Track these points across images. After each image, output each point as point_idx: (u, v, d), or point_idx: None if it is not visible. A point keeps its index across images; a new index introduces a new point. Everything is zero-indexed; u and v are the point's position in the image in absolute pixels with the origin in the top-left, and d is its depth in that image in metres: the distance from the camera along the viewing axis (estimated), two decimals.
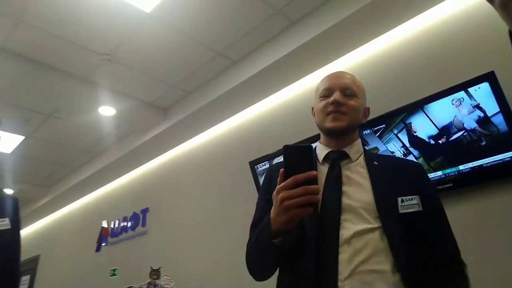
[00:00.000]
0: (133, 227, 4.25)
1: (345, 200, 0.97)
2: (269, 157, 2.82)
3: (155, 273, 2.72)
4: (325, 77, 1.14)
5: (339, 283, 0.87)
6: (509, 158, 1.78)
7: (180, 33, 2.73)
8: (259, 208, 1.12)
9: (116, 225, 4.54)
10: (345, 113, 1.05)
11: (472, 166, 1.89)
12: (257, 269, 1.04)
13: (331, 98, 1.06)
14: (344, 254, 0.90)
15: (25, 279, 6.25)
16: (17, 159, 4.71)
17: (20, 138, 4.21)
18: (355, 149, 1.09)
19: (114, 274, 4.18)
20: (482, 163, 1.86)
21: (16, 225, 1.30)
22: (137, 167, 4.56)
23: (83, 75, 3.20)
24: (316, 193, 0.82)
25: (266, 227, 0.89)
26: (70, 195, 5.49)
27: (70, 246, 5.42)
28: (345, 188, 0.99)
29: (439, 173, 1.99)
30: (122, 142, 4.36)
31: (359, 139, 1.14)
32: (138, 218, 4.22)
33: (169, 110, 3.76)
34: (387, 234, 0.93)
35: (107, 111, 3.59)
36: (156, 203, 4.08)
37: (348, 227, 0.93)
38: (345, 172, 1.03)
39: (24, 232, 7.01)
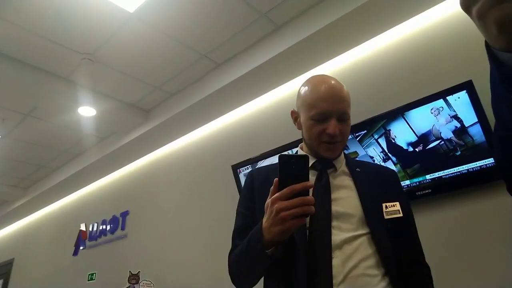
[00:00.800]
0: (112, 231, 4.17)
1: (334, 208, 0.98)
2: (252, 161, 2.81)
3: (134, 277, 2.67)
4: (316, 89, 1.04)
5: (334, 287, 0.88)
6: (485, 166, 1.83)
7: (164, 34, 2.70)
8: (241, 216, 1.10)
9: (95, 228, 4.44)
10: (340, 141, 1.05)
11: (448, 173, 1.93)
12: (244, 278, 1.02)
13: (328, 130, 1.01)
14: (336, 260, 0.91)
15: None
16: None
17: None
18: (340, 159, 1.10)
19: (92, 279, 4.08)
20: (459, 170, 1.90)
21: None
22: (118, 169, 4.48)
23: (64, 75, 3.12)
24: (312, 204, 0.82)
25: (258, 237, 0.87)
26: (48, 197, 5.33)
27: (47, 250, 5.27)
28: (333, 196, 1.00)
29: (415, 180, 2.03)
30: (103, 143, 4.28)
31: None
32: (118, 221, 4.14)
33: (151, 111, 3.71)
34: (375, 240, 0.96)
35: (87, 111, 3.51)
36: (136, 206, 4.02)
37: (339, 234, 0.94)
38: (332, 181, 1.04)
39: None
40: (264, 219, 0.87)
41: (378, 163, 2.10)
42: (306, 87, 1.08)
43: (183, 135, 3.73)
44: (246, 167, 2.86)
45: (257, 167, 2.74)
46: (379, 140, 2.17)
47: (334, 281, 0.88)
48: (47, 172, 5.11)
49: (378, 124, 2.17)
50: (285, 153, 0.93)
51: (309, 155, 1.08)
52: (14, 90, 3.22)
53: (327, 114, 1.01)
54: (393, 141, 2.11)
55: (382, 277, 0.92)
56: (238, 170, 2.89)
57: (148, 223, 3.77)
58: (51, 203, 5.55)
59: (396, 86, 2.30)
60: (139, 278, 2.67)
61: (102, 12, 2.48)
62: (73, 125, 3.82)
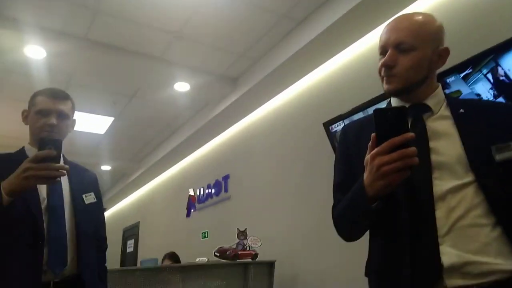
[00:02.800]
0: (217, 193, 4.55)
1: (434, 157, 0.92)
2: (343, 117, 2.76)
3: (242, 234, 2.91)
4: (384, 27, 1.05)
5: (439, 239, 0.86)
6: None
7: (243, 2, 2.73)
8: (339, 171, 1.11)
9: (202, 192, 4.89)
10: (396, 74, 0.98)
11: None
12: (349, 232, 1.05)
13: (382, 60, 1.00)
14: (440, 211, 0.88)
15: (130, 242, 7.13)
16: (110, 138, 5.25)
17: (110, 119, 4.67)
18: (436, 100, 1.01)
19: (205, 237, 4.56)
20: None
21: (100, 199, 1.46)
22: (214, 137, 4.80)
23: (158, 54, 3.39)
24: (414, 155, 0.80)
25: (362, 193, 0.88)
26: (158, 168, 6.01)
27: (164, 213, 6.00)
28: (432, 144, 0.94)
29: None
30: (198, 115, 4.60)
31: (439, 87, 1.05)
32: (221, 185, 4.49)
33: (238, 79, 3.84)
34: (483, 187, 0.88)
35: (182, 86, 3.79)
36: (235, 170, 4.29)
37: (441, 184, 0.90)
38: (429, 127, 0.97)
39: (125, 202, 7.89)
40: (365, 175, 0.87)
41: (490, 100, 1.86)
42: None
43: (272, 98, 3.80)
44: (338, 124, 2.82)
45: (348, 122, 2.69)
46: (487, 75, 1.91)
47: (438, 233, 0.85)
48: (154, 146, 5.72)
49: (487, 58, 1.91)
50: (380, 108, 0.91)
51: (399, 101, 1.03)
52: (120, 75, 3.62)
53: (384, 47, 1.01)
54: (503, 77, 1.87)
55: (493, 227, 0.86)
56: (330, 127, 2.87)
57: (248, 185, 4.01)
58: (162, 173, 6.23)
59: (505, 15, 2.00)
60: (247, 235, 2.91)
61: None
62: (171, 101, 4.16)
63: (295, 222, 3.23)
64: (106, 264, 1.46)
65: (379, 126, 0.83)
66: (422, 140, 0.94)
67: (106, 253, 1.50)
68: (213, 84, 3.79)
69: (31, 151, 1.28)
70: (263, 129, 3.95)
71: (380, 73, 1.03)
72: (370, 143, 0.85)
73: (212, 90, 3.91)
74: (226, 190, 4.39)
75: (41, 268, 1.16)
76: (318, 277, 2.88)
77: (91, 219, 1.35)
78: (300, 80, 3.47)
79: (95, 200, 1.39)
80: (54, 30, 2.97)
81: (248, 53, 3.41)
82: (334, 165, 1.15)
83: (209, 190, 4.73)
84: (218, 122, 4.35)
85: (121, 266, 6.84)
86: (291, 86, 3.58)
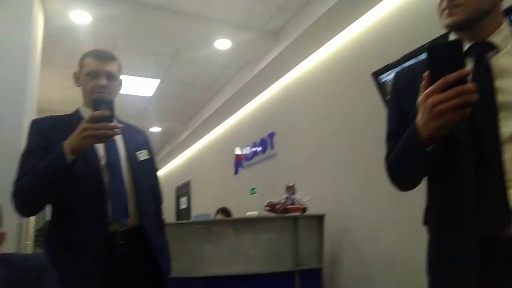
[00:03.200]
0: (263, 151, 4.59)
1: (500, 97, 0.84)
2: (393, 66, 2.60)
3: (291, 189, 2.94)
4: None
5: (507, 183, 0.80)
6: None
7: None
8: (391, 120, 1.06)
9: (248, 151, 4.96)
10: (461, 4, 0.88)
11: None
12: (405, 180, 1.01)
13: None
14: (508, 154, 0.81)
15: (183, 200, 7.53)
16: (158, 100, 5.40)
17: (157, 81, 4.77)
18: (502, 36, 0.91)
19: (253, 192, 4.68)
20: None
21: (152, 156, 1.51)
22: (257, 95, 4.77)
23: (195, 11, 3.32)
24: (472, 92, 0.73)
25: (415, 135, 0.84)
26: (205, 128, 6.15)
27: (212, 171, 6.21)
28: (498, 83, 0.86)
29: None
30: (240, 73, 4.56)
31: (505, 22, 0.93)
32: (266, 143, 4.51)
33: (280, 32, 3.71)
34: None
35: (223, 44, 3.74)
36: (280, 127, 4.27)
37: (508, 125, 0.82)
38: (495, 65, 0.88)
39: (176, 162, 8.25)
40: (419, 117, 0.81)
41: None
42: None
43: (316, 50, 3.65)
44: (387, 73, 2.67)
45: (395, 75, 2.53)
46: None
47: (506, 177, 0.80)
48: (199, 106, 5.81)
49: None
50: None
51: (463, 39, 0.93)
52: (161, 36, 3.63)
53: None
54: None
55: None
56: (378, 77, 2.73)
57: (294, 141, 4.00)
58: (209, 133, 6.37)
59: None
60: (295, 189, 2.93)
61: None
62: (212, 60, 4.14)
63: (344, 176, 3.20)
64: (163, 217, 1.55)
65: (432, 63, 0.76)
66: (486, 79, 0.86)
67: (162, 208, 1.58)
68: (254, 39, 3.70)
69: (86, 112, 1.35)
70: (307, 84, 3.85)
71: (440, 5, 0.93)
72: (423, 83, 0.79)
73: (253, 45, 3.82)
74: (272, 147, 4.42)
75: (107, 219, 1.25)
76: (369, 230, 2.88)
77: (146, 174, 1.42)
78: (345, 30, 3.27)
79: (148, 157, 1.45)
80: None
81: (289, 4, 3.25)
82: (387, 113, 1.10)
83: (255, 148, 4.78)
84: (261, 79, 4.29)
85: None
86: (335, 37, 3.39)
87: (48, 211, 1.32)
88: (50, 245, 1.28)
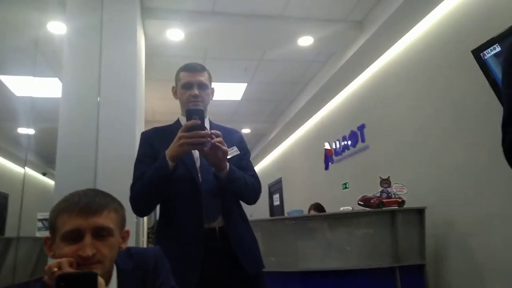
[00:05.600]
0: (353, 144, 4.47)
1: None
2: (497, 40, 2.32)
3: (385, 182, 2.82)
4: None
5: None
6: None
7: None
8: (510, 98, 0.93)
9: (338, 145, 4.88)
10: None
11: None
12: None
13: None
14: None
15: (275, 197, 7.71)
16: (246, 103, 5.63)
17: (244, 85, 4.98)
18: None
19: (346, 187, 4.59)
20: None
21: (244, 149, 1.59)
22: (344, 87, 4.66)
23: (277, 13, 3.40)
24: None
25: None
26: (293, 125, 6.22)
27: (303, 168, 6.24)
28: None
29: None
30: (325, 67, 4.51)
31: None
32: (357, 135, 4.39)
33: (364, 21, 3.59)
34: None
35: (305, 41, 3.75)
36: (370, 118, 4.12)
37: None
38: None
39: (267, 161, 8.50)
40: None
41: None
42: None
43: (403, 35, 3.44)
44: (490, 49, 2.39)
45: (506, 44, 2.26)
46: None
47: None
48: (286, 105, 5.89)
49: None
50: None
51: None
52: (246, 41, 3.80)
53: None
54: None
55: None
56: (480, 54, 2.46)
57: (386, 131, 3.82)
58: (297, 130, 6.43)
59: None
60: (390, 182, 2.81)
61: None
62: (297, 58, 4.18)
63: (444, 164, 2.95)
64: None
65: None
66: None
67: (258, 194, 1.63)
68: (338, 32, 3.63)
69: (184, 121, 1.50)
70: (396, 70, 3.64)
71: None
72: None
73: (338, 38, 3.75)
74: (363, 140, 4.28)
75: (202, 216, 1.39)
76: (479, 221, 2.62)
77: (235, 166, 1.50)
78: (436, 8, 3.02)
79: (238, 152, 1.54)
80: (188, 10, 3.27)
81: None
82: (503, 93, 0.96)
83: (345, 142, 4.68)
84: (347, 71, 4.19)
85: None
86: (425, 18, 3.16)
87: (157, 212, 1.53)
88: (161, 239, 1.46)
